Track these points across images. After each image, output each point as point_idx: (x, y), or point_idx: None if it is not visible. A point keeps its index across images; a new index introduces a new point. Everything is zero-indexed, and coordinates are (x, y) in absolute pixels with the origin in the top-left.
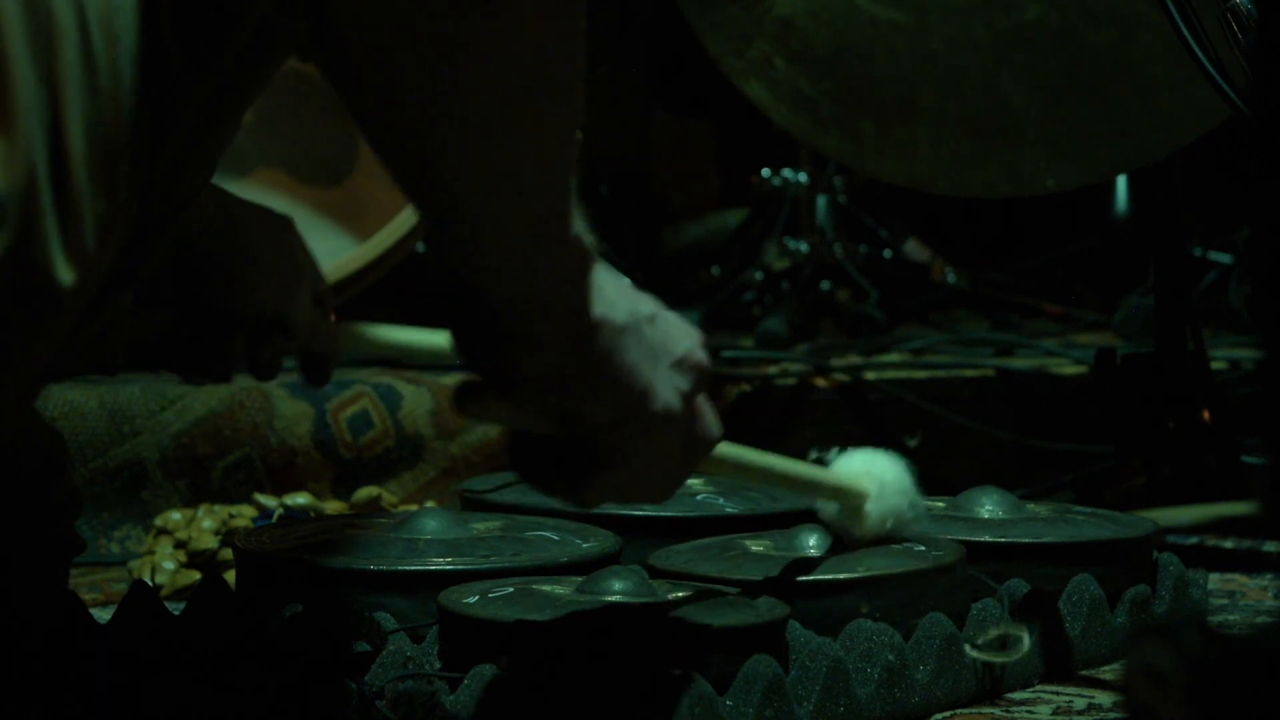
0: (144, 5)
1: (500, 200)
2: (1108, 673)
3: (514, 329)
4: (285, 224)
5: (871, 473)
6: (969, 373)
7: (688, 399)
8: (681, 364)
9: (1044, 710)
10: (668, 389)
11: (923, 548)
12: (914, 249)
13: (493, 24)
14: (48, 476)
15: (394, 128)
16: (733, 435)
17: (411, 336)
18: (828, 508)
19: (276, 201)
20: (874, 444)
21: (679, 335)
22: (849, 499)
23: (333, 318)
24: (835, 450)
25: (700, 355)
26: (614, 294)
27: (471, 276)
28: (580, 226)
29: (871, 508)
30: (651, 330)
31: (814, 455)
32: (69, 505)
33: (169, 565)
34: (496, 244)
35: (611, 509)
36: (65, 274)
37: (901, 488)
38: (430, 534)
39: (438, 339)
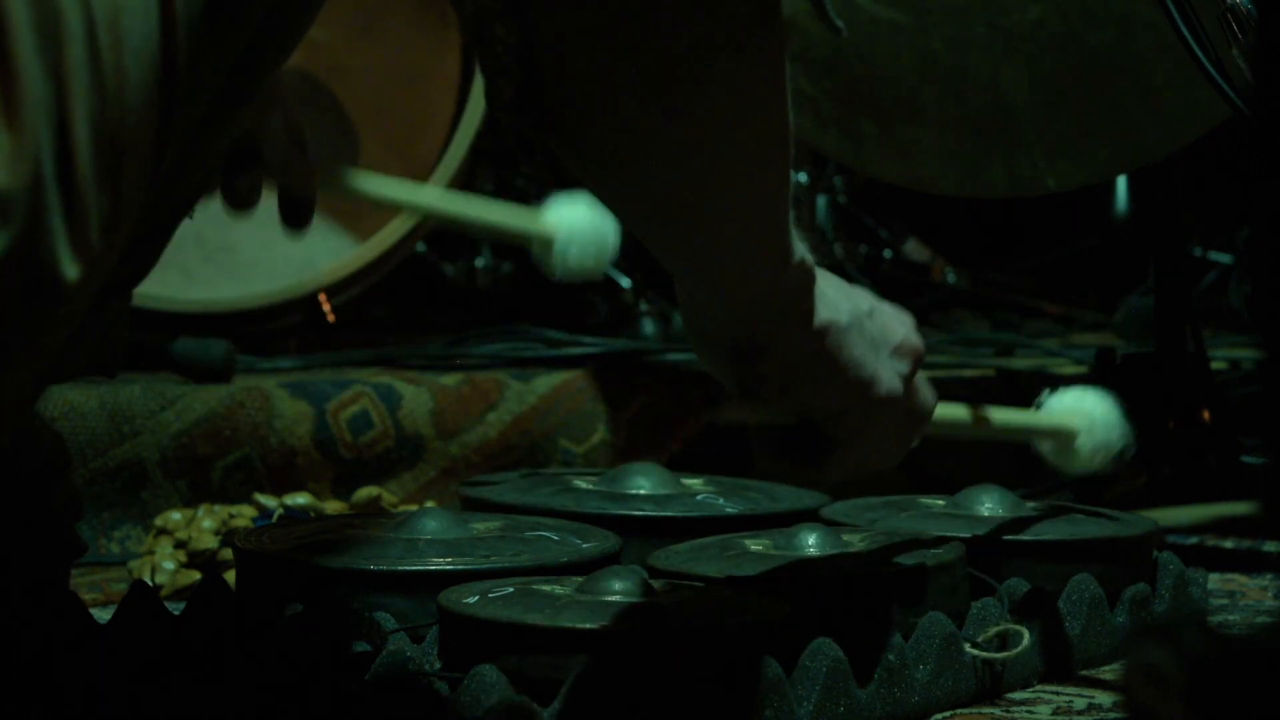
0: (149, 5)
1: (734, 241)
2: (1108, 673)
3: (750, 343)
4: None
5: (1080, 410)
6: (969, 373)
7: (907, 380)
8: (899, 350)
9: (1044, 710)
10: (889, 375)
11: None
12: (914, 249)
13: (727, 84)
14: (48, 478)
15: (645, 198)
16: (733, 435)
17: (393, 191)
18: (1044, 446)
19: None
20: None
21: (895, 324)
22: (1061, 437)
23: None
24: (1045, 392)
25: (914, 339)
26: (835, 296)
27: (710, 305)
28: (801, 248)
29: (1082, 443)
30: (871, 324)
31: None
32: (70, 507)
33: (169, 565)
34: (731, 278)
35: (611, 509)
36: (71, 270)
37: (1110, 421)
38: (430, 534)
39: (420, 196)
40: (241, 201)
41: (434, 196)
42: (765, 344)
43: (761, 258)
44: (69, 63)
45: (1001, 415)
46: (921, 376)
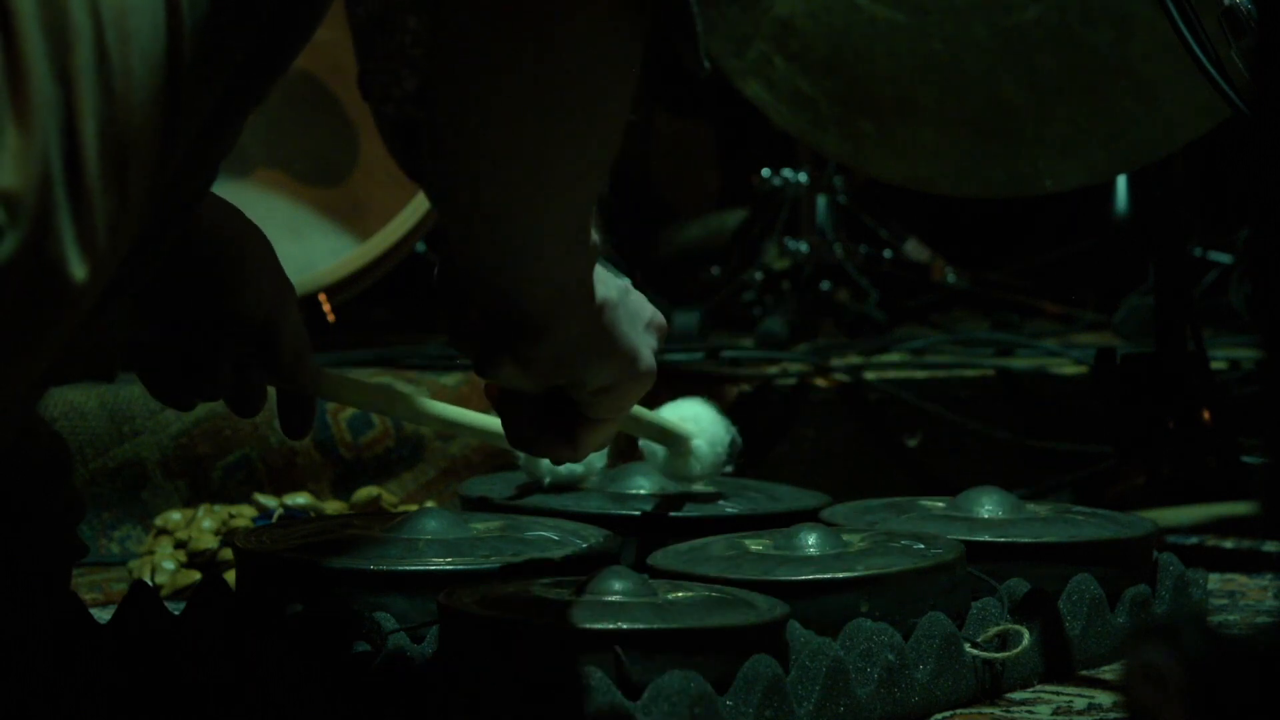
0: (156, 7)
1: (545, 216)
2: (1108, 673)
3: (538, 322)
4: (264, 236)
5: (688, 417)
6: (969, 373)
7: (658, 355)
8: (650, 325)
9: (1044, 710)
10: (647, 350)
11: (921, 545)
12: (914, 249)
13: (554, 59)
14: (51, 482)
15: (483, 176)
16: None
17: (388, 394)
18: (655, 452)
19: (277, 201)
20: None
21: (644, 301)
22: (676, 442)
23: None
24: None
25: (660, 317)
26: (604, 273)
27: (506, 281)
28: (594, 233)
29: (698, 446)
30: (630, 300)
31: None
32: (72, 510)
33: (169, 565)
34: (535, 253)
35: (611, 509)
36: (79, 270)
37: (719, 427)
38: (430, 534)
39: (415, 399)
40: (251, 402)
41: (436, 405)
42: (546, 323)
43: (572, 240)
44: (77, 63)
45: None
46: None
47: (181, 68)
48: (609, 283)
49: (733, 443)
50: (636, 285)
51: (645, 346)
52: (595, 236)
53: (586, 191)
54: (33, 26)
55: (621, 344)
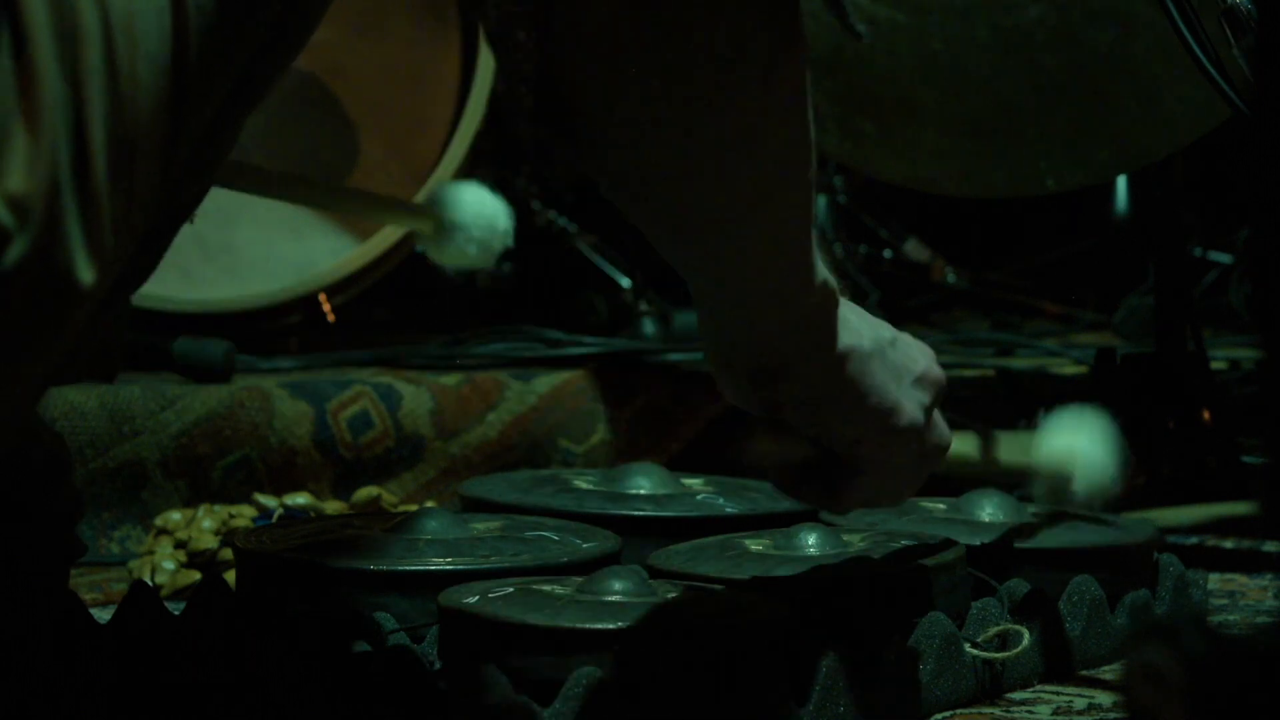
0: (163, 11)
1: (756, 260)
2: (1108, 673)
3: (771, 365)
4: None
5: (1075, 448)
6: (969, 373)
7: (928, 411)
8: (922, 380)
9: (1044, 710)
10: (911, 405)
11: (920, 545)
12: (914, 249)
13: (749, 100)
14: (51, 482)
15: (664, 214)
16: (730, 435)
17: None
18: (1039, 487)
19: (277, 201)
20: None
21: (917, 354)
22: (1058, 480)
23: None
24: (1041, 412)
25: (937, 370)
26: (858, 323)
27: (732, 327)
28: (824, 271)
29: (1077, 487)
30: (893, 353)
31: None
32: (72, 511)
33: (169, 565)
34: (753, 298)
35: (611, 509)
36: (86, 273)
37: (1103, 462)
38: (430, 534)
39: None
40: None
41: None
42: (786, 366)
43: (784, 278)
44: (86, 66)
45: (1007, 454)
46: (938, 413)
47: (187, 71)
48: (861, 332)
49: (1113, 485)
50: (636, 286)
51: (909, 400)
52: (830, 279)
53: (781, 216)
54: (43, 29)
55: (873, 394)
